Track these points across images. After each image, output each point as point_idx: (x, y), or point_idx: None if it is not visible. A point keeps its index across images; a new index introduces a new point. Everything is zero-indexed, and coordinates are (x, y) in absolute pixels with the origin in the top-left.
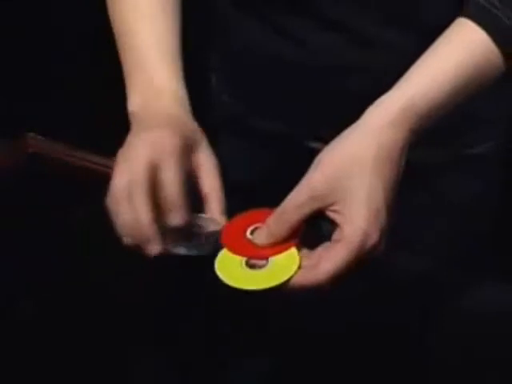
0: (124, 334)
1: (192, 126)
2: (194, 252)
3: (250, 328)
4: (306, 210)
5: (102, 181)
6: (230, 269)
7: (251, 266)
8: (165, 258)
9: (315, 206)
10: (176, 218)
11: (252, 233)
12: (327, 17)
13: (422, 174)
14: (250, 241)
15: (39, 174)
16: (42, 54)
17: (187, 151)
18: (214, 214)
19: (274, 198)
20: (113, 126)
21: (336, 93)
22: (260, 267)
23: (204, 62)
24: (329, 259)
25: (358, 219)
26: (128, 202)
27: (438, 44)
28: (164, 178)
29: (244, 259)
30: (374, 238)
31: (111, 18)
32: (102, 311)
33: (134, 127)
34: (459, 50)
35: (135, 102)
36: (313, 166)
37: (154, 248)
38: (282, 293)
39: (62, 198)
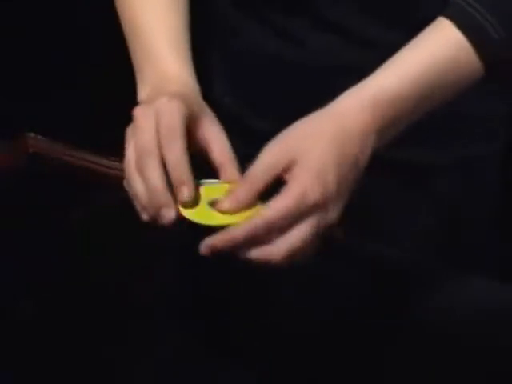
0: (124, 334)
1: (198, 101)
2: None
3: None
4: (269, 175)
5: (102, 181)
6: (195, 209)
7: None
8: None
9: (276, 170)
10: (184, 191)
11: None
12: (326, 17)
13: (419, 175)
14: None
15: (39, 174)
16: (42, 54)
17: (193, 123)
18: (234, 177)
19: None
20: (113, 125)
21: (336, 93)
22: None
23: (204, 62)
24: (268, 208)
25: (301, 176)
26: (139, 173)
27: (415, 41)
28: (171, 149)
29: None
30: (314, 195)
31: (119, 8)
32: (102, 311)
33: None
34: (434, 46)
35: (144, 91)
36: (277, 137)
37: (170, 212)
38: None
39: (62, 198)
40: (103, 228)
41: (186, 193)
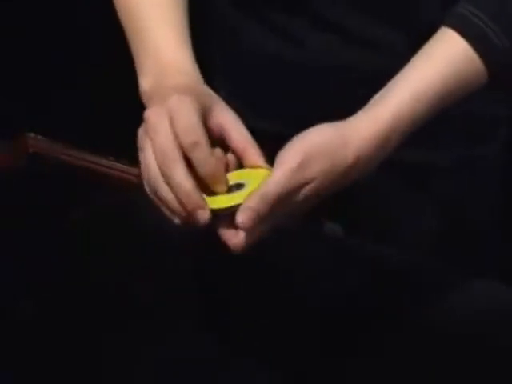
0: (124, 333)
1: (205, 90)
2: None
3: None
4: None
5: (102, 181)
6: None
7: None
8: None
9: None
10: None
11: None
12: (326, 17)
13: (422, 175)
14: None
15: (39, 174)
16: (42, 54)
17: (207, 114)
18: (258, 162)
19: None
20: (113, 125)
21: (336, 93)
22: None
23: (203, 62)
24: (271, 179)
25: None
26: (166, 178)
27: (421, 54)
28: (196, 150)
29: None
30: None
31: (116, 2)
32: (102, 311)
33: (149, 104)
34: (443, 61)
35: (145, 82)
36: (289, 145)
37: (205, 214)
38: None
39: (62, 198)
40: (103, 228)
41: (203, 217)
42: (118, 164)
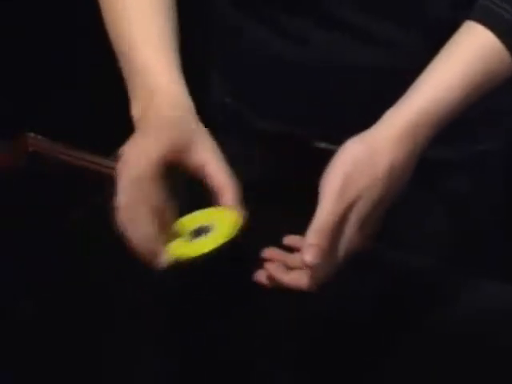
0: (124, 334)
1: (189, 127)
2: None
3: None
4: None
5: (102, 181)
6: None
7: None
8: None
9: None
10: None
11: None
12: (328, 16)
13: (424, 172)
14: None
15: (39, 174)
16: (42, 54)
17: (181, 156)
18: (230, 203)
19: (275, 196)
20: (113, 126)
21: (336, 92)
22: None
23: (204, 62)
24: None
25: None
26: (130, 221)
27: (447, 50)
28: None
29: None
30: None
31: (105, 21)
32: (102, 311)
33: (135, 135)
34: (470, 56)
35: (135, 108)
36: (329, 170)
37: (161, 261)
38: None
39: (62, 198)
40: (103, 228)
41: (160, 263)
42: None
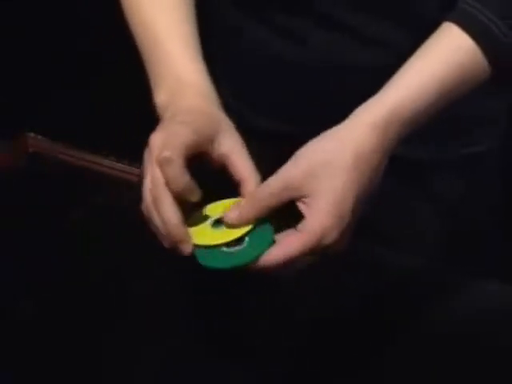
0: (124, 333)
1: (215, 117)
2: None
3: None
4: (279, 198)
5: (102, 181)
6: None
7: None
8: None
9: (287, 195)
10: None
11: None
12: (327, 16)
13: (419, 173)
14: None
15: (39, 174)
16: (43, 54)
17: (207, 145)
18: None
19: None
20: (113, 125)
21: (336, 92)
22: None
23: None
24: (282, 246)
25: (322, 217)
26: (155, 207)
27: (425, 49)
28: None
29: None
30: (333, 237)
31: (127, 11)
32: (102, 311)
33: (162, 118)
34: (446, 56)
35: (160, 97)
36: (292, 158)
37: (188, 248)
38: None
39: (62, 198)
40: (103, 228)
41: (186, 249)
42: (118, 164)
